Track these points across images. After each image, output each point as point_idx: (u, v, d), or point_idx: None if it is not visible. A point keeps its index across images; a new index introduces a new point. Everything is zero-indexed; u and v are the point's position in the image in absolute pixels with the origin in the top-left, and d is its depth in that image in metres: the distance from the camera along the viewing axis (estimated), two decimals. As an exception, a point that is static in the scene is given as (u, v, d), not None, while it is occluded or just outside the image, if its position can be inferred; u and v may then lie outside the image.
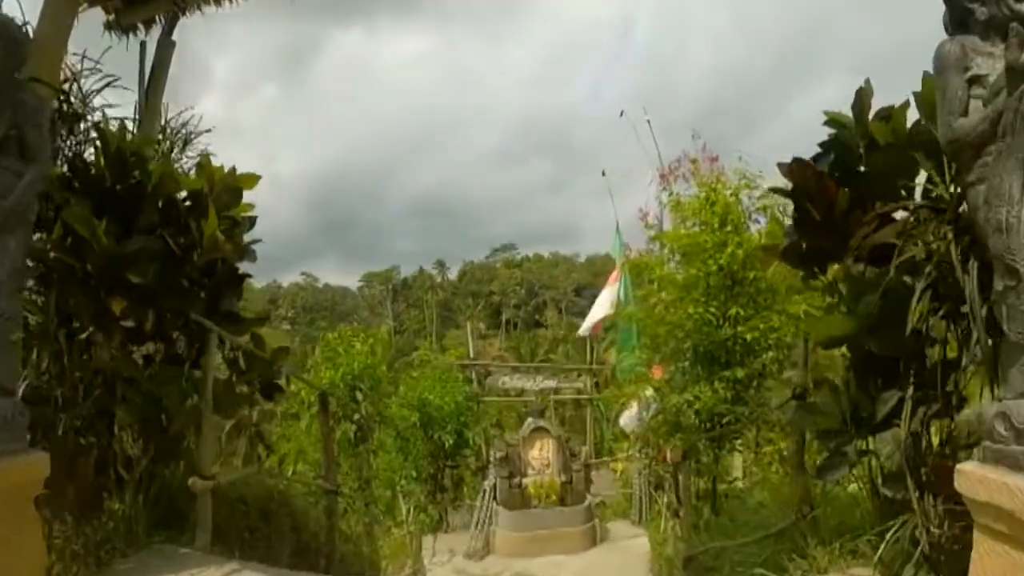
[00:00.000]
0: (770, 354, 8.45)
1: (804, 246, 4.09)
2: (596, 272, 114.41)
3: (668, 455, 10.10)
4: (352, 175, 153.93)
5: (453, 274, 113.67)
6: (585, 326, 15.84)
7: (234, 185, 4.94)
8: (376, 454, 14.55)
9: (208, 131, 6.35)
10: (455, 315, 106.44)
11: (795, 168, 3.90)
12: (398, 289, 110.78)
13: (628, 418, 15.93)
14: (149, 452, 4.18)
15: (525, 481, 15.13)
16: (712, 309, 8.57)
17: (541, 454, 15.50)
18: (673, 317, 9.05)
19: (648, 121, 14.69)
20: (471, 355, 16.68)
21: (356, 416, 13.84)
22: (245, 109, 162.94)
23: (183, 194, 4.55)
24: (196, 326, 4.40)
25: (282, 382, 5.68)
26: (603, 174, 17.34)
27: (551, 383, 16.11)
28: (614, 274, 15.66)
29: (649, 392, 10.87)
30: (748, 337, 8.35)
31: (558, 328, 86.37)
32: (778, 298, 8.64)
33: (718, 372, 8.54)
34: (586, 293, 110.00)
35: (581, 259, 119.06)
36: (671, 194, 9.72)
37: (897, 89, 3.59)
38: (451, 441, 15.15)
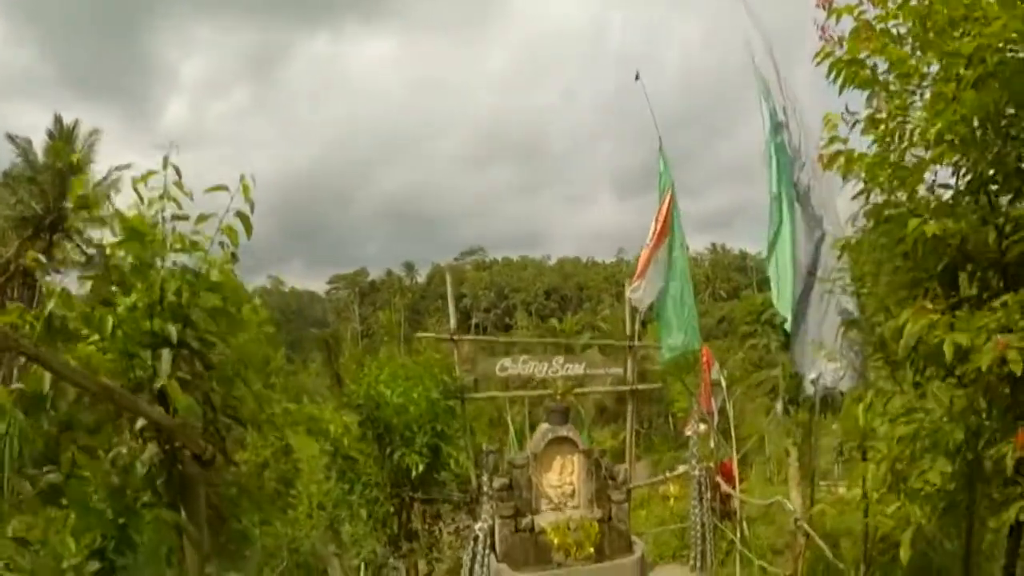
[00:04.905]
0: None
1: None
2: (566, 275, 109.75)
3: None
4: (320, 178, 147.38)
5: (422, 277, 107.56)
6: (639, 293, 9.46)
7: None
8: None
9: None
10: (424, 318, 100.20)
11: None
12: (365, 292, 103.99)
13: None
14: None
15: (540, 522, 9.20)
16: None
17: (563, 478, 9.53)
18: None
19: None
20: (453, 327, 10.34)
21: None
22: (212, 113, 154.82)
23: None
24: None
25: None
26: (636, 77, 11.48)
27: (576, 368, 10.16)
28: (666, 209, 9.68)
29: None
30: None
31: (527, 330, 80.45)
32: None
33: None
34: (554, 296, 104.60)
35: (551, 262, 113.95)
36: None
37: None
38: (421, 467, 8.95)
